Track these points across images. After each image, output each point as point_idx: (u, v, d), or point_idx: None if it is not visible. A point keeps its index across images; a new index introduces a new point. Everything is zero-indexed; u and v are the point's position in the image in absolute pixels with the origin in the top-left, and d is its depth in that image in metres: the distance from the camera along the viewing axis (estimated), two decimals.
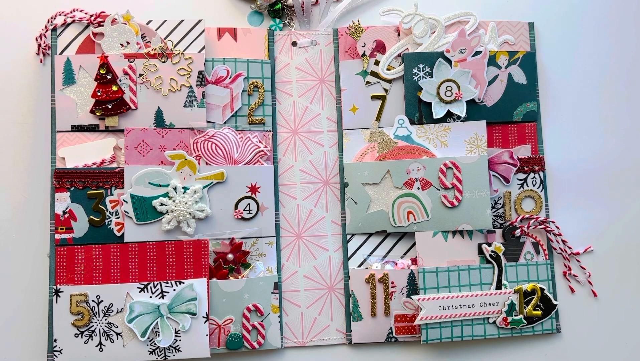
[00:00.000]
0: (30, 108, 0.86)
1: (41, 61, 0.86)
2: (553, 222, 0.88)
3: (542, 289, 0.85)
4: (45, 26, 0.85)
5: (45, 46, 0.85)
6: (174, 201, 0.81)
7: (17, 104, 0.86)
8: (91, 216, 0.81)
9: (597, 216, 0.89)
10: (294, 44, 0.89)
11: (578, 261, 0.88)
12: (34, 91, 0.86)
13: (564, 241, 0.88)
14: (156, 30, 0.85)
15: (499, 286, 0.84)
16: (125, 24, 0.84)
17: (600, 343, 0.88)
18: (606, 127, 0.91)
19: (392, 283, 0.85)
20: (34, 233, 0.84)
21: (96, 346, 0.80)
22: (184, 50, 0.84)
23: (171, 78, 0.83)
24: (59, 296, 0.80)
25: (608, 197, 0.90)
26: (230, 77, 0.85)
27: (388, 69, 0.87)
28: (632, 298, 0.89)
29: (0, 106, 0.86)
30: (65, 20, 0.84)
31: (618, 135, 0.91)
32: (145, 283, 0.81)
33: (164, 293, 0.80)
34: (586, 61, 0.92)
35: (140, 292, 0.80)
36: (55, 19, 0.84)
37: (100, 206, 0.82)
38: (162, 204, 0.81)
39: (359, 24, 0.87)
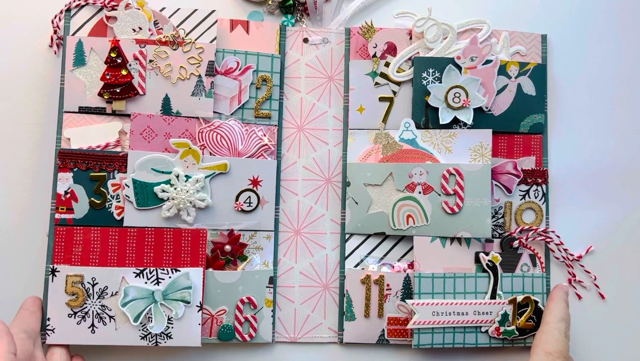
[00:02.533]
0: (41, 88, 0.86)
1: (56, 45, 0.86)
2: (553, 232, 0.87)
3: (535, 302, 0.84)
4: (61, 10, 0.85)
5: (56, 27, 0.85)
6: (175, 188, 0.81)
7: (30, 85, 0.86)
8: (92, 198, 0.82)
9: (599, 225, 0.89)
10: (306, 40, 0.89)
11: (582, 266, 0.88)
12: (48, 72, 0.86)
13: (565, 250, 0.87)
14: (169, 17, 0.85)
15: (493, 296, 0.84)
16: (139, 9, 0.84)
17: (605, 348, 0.87)
18: (613, 141, 0.90)
19: (388, 285, 0.84)
20: (35, 212, 0.84)
21: (89, 327, 0.80)
22: (195, 40, 0.84)
23: (181, 66, 0.83)
24: (55, 276, 0.80)
25: (612, 211, 0.89)
26: (240, 69, 0.85)
27: (398, 72, 0.87)
28: (634, 300, 0.88)
29: (14, 89, 0.86)
30: (79, 2, 0.84)
31: (624, 147, 0.90)
32: (142, 269, 0.81)
33: (160, 280, 0.81)
34: (596, 76, 0.91)
35: (135, 277, 0.81)
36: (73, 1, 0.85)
37: (102, 189, 0.82)
38: (163, 191, 0.81)
39: (371, 24, 0.87)
